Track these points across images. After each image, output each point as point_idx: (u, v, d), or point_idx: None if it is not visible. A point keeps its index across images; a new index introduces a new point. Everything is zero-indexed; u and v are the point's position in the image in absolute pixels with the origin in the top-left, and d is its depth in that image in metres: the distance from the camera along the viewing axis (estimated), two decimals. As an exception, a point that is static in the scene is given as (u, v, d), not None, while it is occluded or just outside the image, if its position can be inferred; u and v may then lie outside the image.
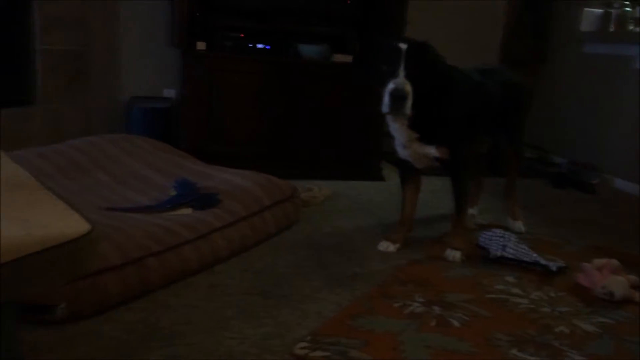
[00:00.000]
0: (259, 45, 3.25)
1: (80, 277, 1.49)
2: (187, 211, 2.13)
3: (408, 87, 1.87)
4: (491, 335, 1.63)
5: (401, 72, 1.87)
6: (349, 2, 3.32)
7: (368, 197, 3.01)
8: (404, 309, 1.75)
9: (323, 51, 3.33)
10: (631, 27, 3.77)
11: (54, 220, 0.90)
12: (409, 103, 1.88)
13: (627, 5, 3.81)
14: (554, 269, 2.09)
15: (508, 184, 2.63)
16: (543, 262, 2.12)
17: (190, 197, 2.19)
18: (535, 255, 2.15)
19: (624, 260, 2.07)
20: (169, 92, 3.64)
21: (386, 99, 1.89)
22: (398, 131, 2.11)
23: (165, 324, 1.58)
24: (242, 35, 3.21)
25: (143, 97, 3.50)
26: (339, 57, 3.34)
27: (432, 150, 2.10)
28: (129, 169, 2.46)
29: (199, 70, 3.10)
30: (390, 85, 1.88)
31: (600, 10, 3.88)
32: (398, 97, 1.87)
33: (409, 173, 2.29)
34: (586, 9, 3.89)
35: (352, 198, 2.98)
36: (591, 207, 3.20)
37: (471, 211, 2.78)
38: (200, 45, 3.16)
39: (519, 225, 2.60)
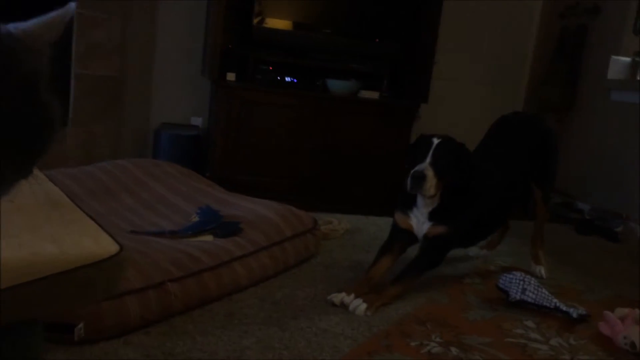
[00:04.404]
0: (287, 79, 3.32)
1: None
2: (208, 238, 2.15)
3: (428, 172, 2.03)
4: (509, 380, 1.61)
5: (427, 159, 2.06)
6: (377, 40, 3.38)
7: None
8: (420, 349, 1.73)
9: (351, 86, 3.38)
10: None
11: (86, 240, 0.92)
12: (427, 184, 2.03)
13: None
14: (575, 315, 2.06)
15: (536, 228, 2.62)
16: (564, 308, 2.09)
17: (212, 224, 2.22)
18: (556, 301, 2.12)
19: (647, 311, 2.03)
20: (196, 120, 3.72)
21: (409, 180, 2.05)
22: (420, 206, 2.18)
23: (181, 350, 1.59)
24: (270, 68, 3.28)
25: (171, 124, 3.57)
26: (366, 93, 3.40)
27: (427, 225, 2.16)
28: (154, 194, 2.51)
29: (227, 100, 3.16)
30: (414, 168, 2.06)
31: (627, 59, 3.88)
32: (416, 177, 2.03)
33: (399, 241, 2.25)
34: (613, 57, 3.89)
35: (372, 233, 2.97)
36: (615, 255, 3.15)
37: (485, 252, 2.77)
38: (230, 77, 3.23)
39: (541, 270, 2.56)
